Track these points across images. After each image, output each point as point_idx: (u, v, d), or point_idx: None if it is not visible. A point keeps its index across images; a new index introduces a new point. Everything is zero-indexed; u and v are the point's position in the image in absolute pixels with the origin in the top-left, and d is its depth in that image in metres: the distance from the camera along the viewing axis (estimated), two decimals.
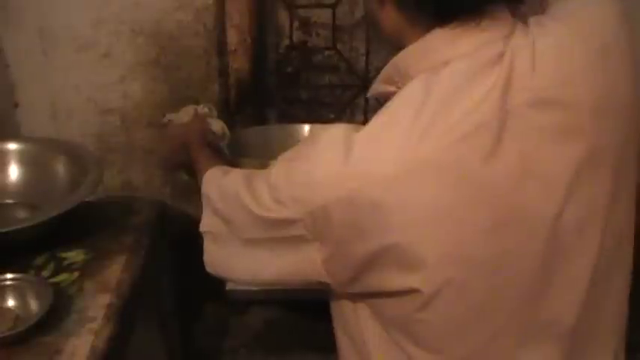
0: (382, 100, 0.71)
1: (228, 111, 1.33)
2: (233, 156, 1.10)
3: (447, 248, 0.63)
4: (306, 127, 1.21)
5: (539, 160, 0.63)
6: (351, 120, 1.43)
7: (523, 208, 0.63)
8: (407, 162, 0.62)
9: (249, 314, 1.49)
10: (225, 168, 0.91)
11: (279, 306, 1.46)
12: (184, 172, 1.12)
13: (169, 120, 1.18)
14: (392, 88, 0.72)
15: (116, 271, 1.02)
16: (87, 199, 1.05)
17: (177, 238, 1.28)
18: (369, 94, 0.79)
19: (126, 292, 0.99)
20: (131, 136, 1.36)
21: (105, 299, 0.95)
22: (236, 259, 0.81)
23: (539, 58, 0.64)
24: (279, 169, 0.71)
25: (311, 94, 1.42)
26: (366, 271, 0.68)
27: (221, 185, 0.84)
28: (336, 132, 0.67)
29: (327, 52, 1.39)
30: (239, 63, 1.32)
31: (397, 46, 0.71)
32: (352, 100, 1.41)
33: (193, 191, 0.93)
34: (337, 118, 1.42)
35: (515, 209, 0.63)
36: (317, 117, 1.40)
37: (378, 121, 0.66)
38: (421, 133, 0.62)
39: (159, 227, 1.23)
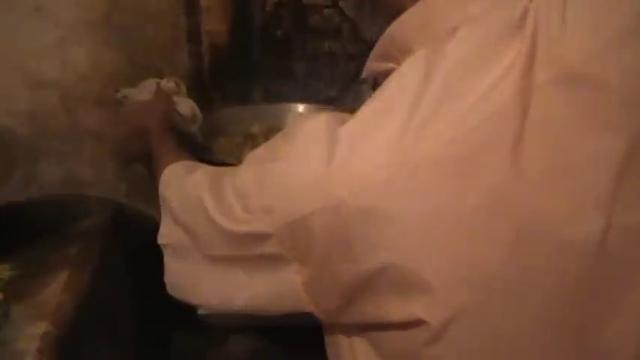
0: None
1: (201, 86, 1.28)
2: (206, 139, 1.08)
3: (456, 268, 0.58)
4: (300, 108, 1.18)
5: (576, 156, 0.58)
6: (356, 100, 1.33)
7: (555, 217, 0.58)
8: (404, 162, 0.58)
9: (228, 343, 1.36)
10: (190, 164, 0.87)
11: (265, 333, 1.32)
12: (143, 164, 1.02)
13: (124, 97, 1.09)
14: (391, 65, 0.67)
15: (55, 291, 0.94)
16: (15, 200, 1.04)
17: (137, 247, 1.11)
18: (363, 76, 0.74)
19: (68, 318, 0.90)
20: (74, 117, 1.24)
21: (39, 328, 0.86)
22: (201, 280, 0.77)
23: (573, 18, 0.59)
24: (247, 171, 0.69)
25: (306, 66, 1.37)
26: (357, 298, 0.63)
27: (182, 187, 0.81)
28: (316, 125, 0.63)
29: (326, 11, 1.33)
30: (214, 24, 1.28)
31: (395, 11, 0.67)
32: (358, 73, 1.27)
33: (156, 188, 0.85)
34: (340, 97, 1.35)
35: (544, 218, 0.58)
36: (314, 95, 1.34)
37: (368, 109, 0.62)
38: (421, 126, 0.58)
39: (113, 234, 1.15)
